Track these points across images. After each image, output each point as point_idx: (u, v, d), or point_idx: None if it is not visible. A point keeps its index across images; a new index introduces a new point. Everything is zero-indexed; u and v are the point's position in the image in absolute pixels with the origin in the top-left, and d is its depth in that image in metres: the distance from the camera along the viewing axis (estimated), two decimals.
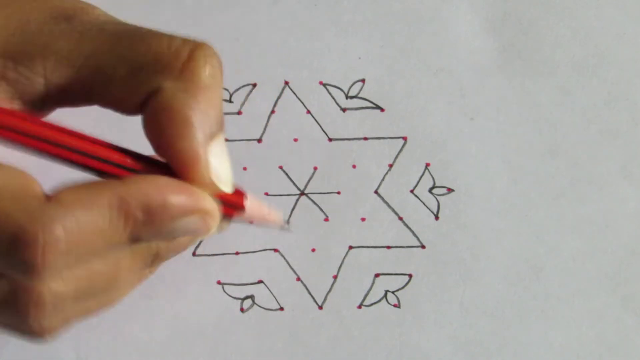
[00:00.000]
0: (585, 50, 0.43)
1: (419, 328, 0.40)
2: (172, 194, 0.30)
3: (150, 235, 0.31)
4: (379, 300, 0.40)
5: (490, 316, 0.40)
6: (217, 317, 0.40)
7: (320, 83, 0.43)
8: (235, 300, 0.40)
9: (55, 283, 0.29)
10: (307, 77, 0.42)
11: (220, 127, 0.32)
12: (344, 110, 0.42)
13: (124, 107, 0.32)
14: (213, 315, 0.40)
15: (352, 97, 0.42)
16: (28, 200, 0.28)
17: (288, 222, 0.38)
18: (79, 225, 0.28)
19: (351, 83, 0.43)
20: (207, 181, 0.32)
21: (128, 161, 0.31)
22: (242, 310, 0.40)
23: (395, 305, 0.40)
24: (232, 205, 0.33)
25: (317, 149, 0.42)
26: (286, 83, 0.42)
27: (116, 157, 0.31)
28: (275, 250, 0.41)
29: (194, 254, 0.41)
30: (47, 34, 0.31)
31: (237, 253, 0.41)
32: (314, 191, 0.42)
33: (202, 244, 0.41)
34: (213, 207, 0.31)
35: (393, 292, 0.40)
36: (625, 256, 0.41)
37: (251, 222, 0.35)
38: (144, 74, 0.31)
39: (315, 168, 0.42)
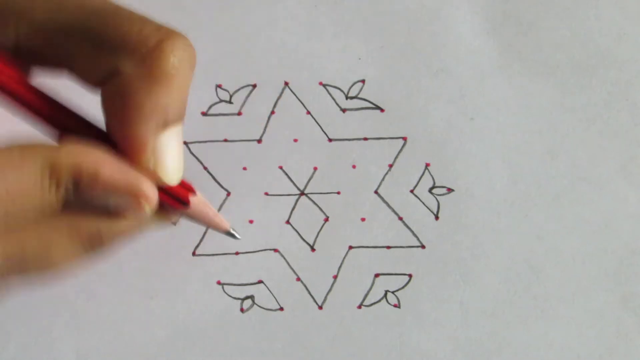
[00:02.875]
0: (585, 50, 0.43)
1: (419, 328, 0.40)
2: (105, 166, 0.30)
3: (80, 205, 0.31)
4: (379, 300, 0.40)
5: (490, 316, 0.40)
6: (217, 317, 0.40)
7: (320, 84, 0.43)
8: (235, 300, 0.40)
9: None
10: (307, 77, 0.42)
11: (178, 118, 0.32)
12: (343, 110, 0.42)
13: (86, 81, 0.32)
14: (213, 315, 0.40)
15: (352, 98, 0.42)
16: None
17: (233, 230, 0.37)
18: (7, 185, 0.28)
19: (351, 83, 0.43)
20: (150, 170, 0.32)
21: (82, 129, 0.31)
22: (242, 310, 0.40)
23: (395, 305, 0.40)
24: (177, 198, 0.33)
25: (317, 149, 0.42)
26: (286, 84, 0.42)
27: (71, 122, 0.31)
28: (275, 250, 0.41)
29: (194, 254, 0.41)
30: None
31: (237, 253, 0.41)
32: (314, 191, 0.42)
33: (202, 244, 0.41)
34: (149, 190, 0.31)
35: (393, 292, 0.40)
36: (625, 256, 0.41)
37: (197, 221, 0.35)
38: (106, 52, 0.31)
39: (315, 168, 0.42)
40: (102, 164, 0.30)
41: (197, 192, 0.34)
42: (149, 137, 0.31)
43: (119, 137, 0.32)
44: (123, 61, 0.31)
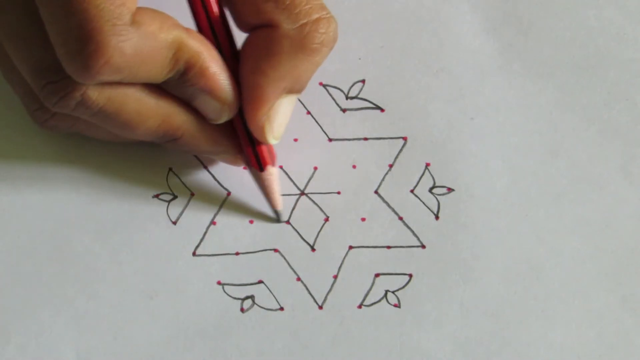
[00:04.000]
0: (585, 50, 0.43)
1: (419, 328, 0.40)
2: (216, 66, 0.34)
3: (178, 86, 0.34)
4: (379, 300, 0.40)
5: (490, 316, 0.40)
6: (217, 317, 0.40)
7: (320, 84, 0.43)
8: (235, 300, 0.40)
9: (91, 91, 0.33)
10: None
11: (300, 89, 0.36)
12: (344, 110, 0.42)
13: (242, 20, 0.35)
14: (213, 315, 0.40)
15: (352, 98, 0.42)
16: (118, 12, 0.31)
17: (280, 216, 0.41)
18: (141, 46, 0.31)
19: (351, 83, 0.43)
20: (258, 122, 0.35)
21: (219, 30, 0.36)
22: (242, 310, 0.40)
23: (395, 305, 0.40)
24: (258, 159, 0.38)
25: (317, 150, 0.42)
26: None
27: (214, 17, 0.35)
28: (275, 250, 0.41)
29: (194, 254, 0.41)
30: None
31: (237, 253, 0.41)
32: (314, 191, 0.42)
33: (202, 244, 0.41)
34: (234, 105, 0.36)
35: (393, 292, 0.40)
36: (625, 256, 0.41)
37: (259, 187, 0.39)
38: (272, 4, 0.34)
39: (315, 168, 0.42)
40: (215, 63, 0.34)
41: (276, 166, 0.39)
42: (274, 96, 0.35)
43: (246, 83, 0.35)
44: (284, 20, 0.34)
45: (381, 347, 0.40)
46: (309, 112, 0.42)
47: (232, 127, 0.38)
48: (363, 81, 0.42)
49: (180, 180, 0.41)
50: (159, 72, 0.33)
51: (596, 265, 0.41)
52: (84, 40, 0.30)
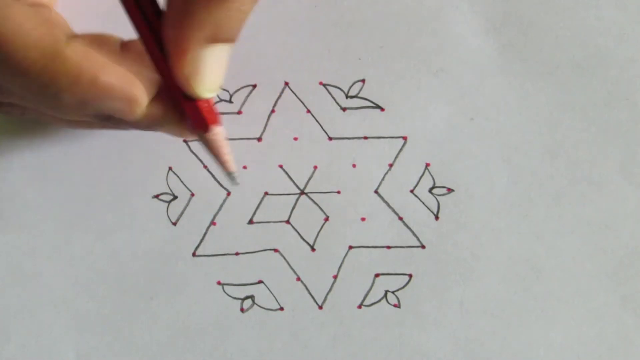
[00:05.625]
0: (585, 50, 0.43)
1: (419, 328, 0.40)
2: (104, 71, 0.33)
3: (81, 101, 0.33)
4: (379, 300, 0.40)
5: (490, 316, 0.40)
6: (217, 317, 0.40)
7: (320, 83, 0.43)
8: (235, 300, 0.40)
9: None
10: (307, 77, 0.42)
11: (229, 38, 0.34)
12: (344, 109, 0.42)
13: None
14: (213, 315, 0.40)
15: (352, 97, 0.42)
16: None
17: (234, 179, 0.38)
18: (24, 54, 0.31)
19: (351, 83, 0.43)
20: (183, 74, 0.33)
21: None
22: (242, 310, 0.40)
23: (395, 305, 0.40)
24: (200, 118, 0.35)
25: (317, 149, 0.42)
26: (286, 84, 0.42)
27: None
28: (275, 250, 0.41)
29: (194, 254, 0.41)
30: None
31: (237, 253, 0.41)
32: (314, 190, 0.42)
33: (202, 244, 0.41)
34: (140, 94, 0.34)
35: (393, 292, 0.40)
36: (625, 256, 0.41)
37: (208, 151, 0.36)
38: None
39: (315, 167, 0.42)
40: (102, 68, 0.33)
41: (221, 128, 0.35)
42: (192, 46, 0.33)
43: (166, 39, 0.33)
44: None
45: (381, 347, 0.40)
46: (309, 111, 0.42)
47: (169, 96, 0.36)
48: (363, 81, 0.42)
49: (180, 180, 0.41)
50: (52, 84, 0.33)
51: (596, 265, 0.41)
52: None
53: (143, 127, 0.37)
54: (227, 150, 0.36)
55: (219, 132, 0.36)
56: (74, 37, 0.33)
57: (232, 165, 0.36)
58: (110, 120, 0.36)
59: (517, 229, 0.41)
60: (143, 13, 0.34)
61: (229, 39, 0.34)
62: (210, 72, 0.34)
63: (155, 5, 0.34)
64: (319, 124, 0.42)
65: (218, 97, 0.42)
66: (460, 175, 0.42)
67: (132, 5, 0.33)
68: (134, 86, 0.34)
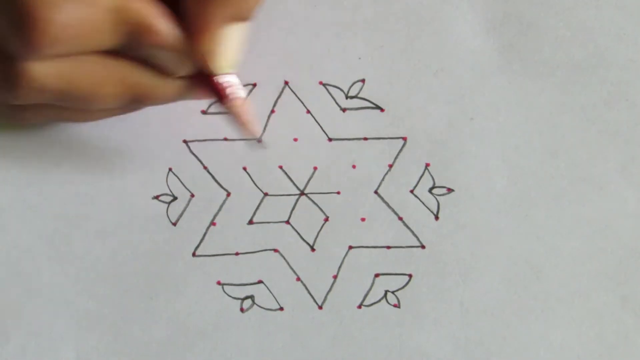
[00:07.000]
0: (585, 50, 0.43)
1: (419, 328, 0.40)
2: (160, 22, 0.33)
3: (133, 52, 0.34)
4: (379, 300, 0.40)
5: (490, 316, 0.40)
6: (217, 317, 0.40)
7: (320, 83, 0.43)
8: (235, 300, 0.40)
9: (39, 67, 0.33)
10: (307, 77, 0.42)
11: (247, 17, 0.35)
12: (343, 110, 0.42)
13: None
14: (213, 315, 0.40)
15: (352, 97, 0.42)
16: None
17: (265, 144, 0.39)
18: (79, 18, 0.31)
19: (351, 83, 0.43)
20: (204, 50, 0.34)
21: None
22: (242, 310, 0.40)
23: (395, 305, 0.40)
24: (220, 88, 0.36)
25: (317, 149, 0.42)
26: (286, 83, 0.42)
27: None
28: (275, 250, 0.41)
29: (194, 255, 0.41)
30: None
31: (237, 253, 0.41)
32: (314, 191, 0.42)
33: (202, 244, 0.41)
34: (188, 52, 0.35)
35: (393, 292, 0.40)
36: (625, 256, 0.41)
37: (233, 119, 0.37)
38: None
39: (315, 168, 0.42)
40: (159, 19, 0.33)
41: (244, 100, 0.37)
42: (214, 24, 0.34)
43: (189, 14, 0.34)
44: None
45: (381, 347, 0.40)
46: (308, 112, 0.42)
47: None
48: (363, 81, 0.42)
49: (180, 181, 0.41)
50: (105, 38, 0.33)
51: (596, 265, 0.41)
52: (18, 18, 0.30)
53: (168, 101, 0.38)
54: (252, 118, 0.37)
55: (241, 102, 0.37)
56: None
57: (256, 130, 0.39)
58: (143, 101, 0.37)
59: (517, 229, 0.41)
60: None
61: (247, 18, 0.35)
62: (229, 49, 0.35)
63: None
64: (319, 124, 0.42)
65: None
66: (460, 175, 0.42)
67: None
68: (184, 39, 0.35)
